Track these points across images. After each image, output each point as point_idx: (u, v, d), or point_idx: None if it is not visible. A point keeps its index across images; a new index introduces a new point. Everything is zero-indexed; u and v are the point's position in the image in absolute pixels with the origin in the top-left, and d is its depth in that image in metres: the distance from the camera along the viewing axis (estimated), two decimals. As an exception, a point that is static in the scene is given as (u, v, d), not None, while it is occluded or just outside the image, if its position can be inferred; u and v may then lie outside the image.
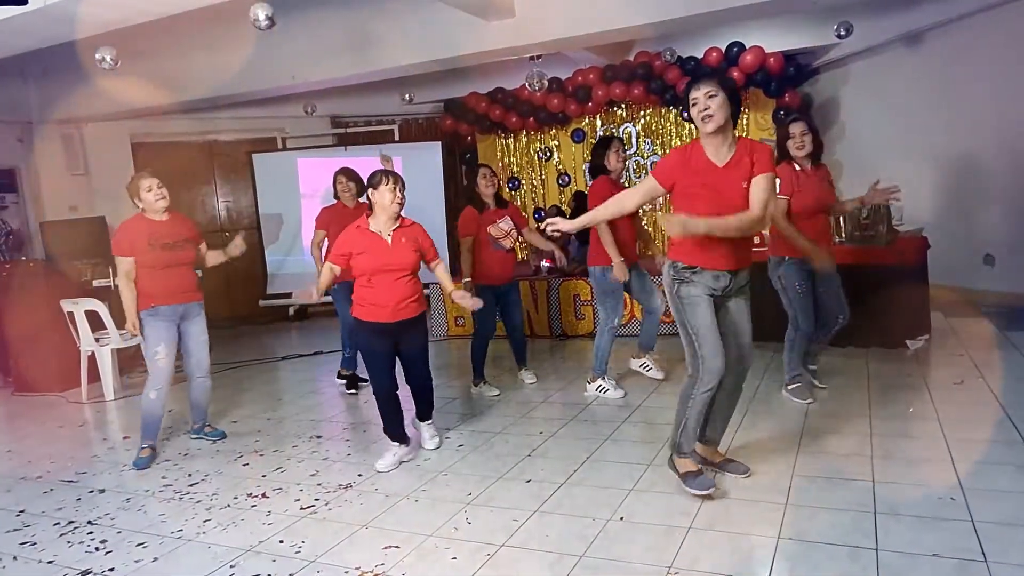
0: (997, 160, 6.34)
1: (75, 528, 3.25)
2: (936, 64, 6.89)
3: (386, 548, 2.82)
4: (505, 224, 4.87)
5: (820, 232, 4.09)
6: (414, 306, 3.75)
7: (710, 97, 2.83)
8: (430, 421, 4.01)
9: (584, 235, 6.93)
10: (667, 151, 8.80)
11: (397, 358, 3.79)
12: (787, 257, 4.12)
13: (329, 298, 5.01)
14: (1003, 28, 6.15)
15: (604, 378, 4.70)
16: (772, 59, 7.54)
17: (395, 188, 3.69)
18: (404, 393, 3.83)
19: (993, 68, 6.27)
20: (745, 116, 8.30)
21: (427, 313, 3.93)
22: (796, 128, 4.06)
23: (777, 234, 4.11)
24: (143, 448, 4.08)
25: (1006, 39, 6.13)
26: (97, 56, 5.25)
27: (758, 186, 2.84)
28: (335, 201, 5.26)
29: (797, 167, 4.07)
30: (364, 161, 8.63)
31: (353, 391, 5.33)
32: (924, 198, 6.64)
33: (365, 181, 4.94)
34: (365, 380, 5.40)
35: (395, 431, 3.77)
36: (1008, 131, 6.19)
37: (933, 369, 4.76)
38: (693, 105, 2.89)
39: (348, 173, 5.21)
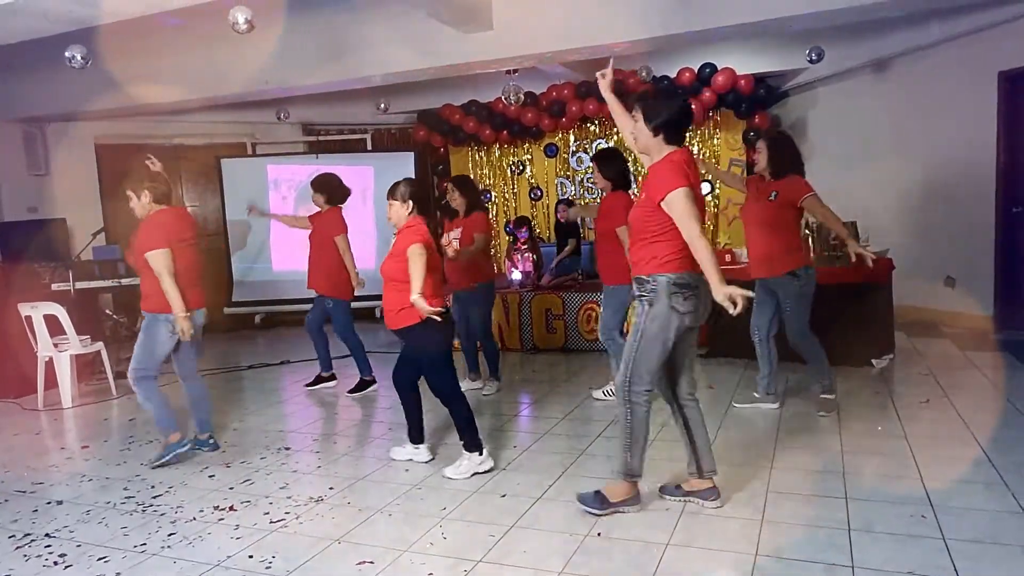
0: (958, 184, 6.52)
1: (32, 541, 3.12)
2: (902, 91, 7.08)
3: (360, 563, 2.76)
4: (453, 233, 5.06)
5: (757, 247, 4.29)
6: (394, 318, 3.62)
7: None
8: (474, 451, 3.61)
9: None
10: (639, 168, 8.89)
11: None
12: None
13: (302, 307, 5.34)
14: (966, 58, 6.35)
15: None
16: (743, 81, 7.68)
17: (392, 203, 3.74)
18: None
19: (956, 96, 6.47)
20: (716, 137, 8.51)
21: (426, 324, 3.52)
22: (758, 144, 4.44)
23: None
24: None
25: (969, 68, 6.32)
26: (67, 54, 5.10)
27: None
28: (317, 209, 5.63)
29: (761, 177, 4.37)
30: (335, 170, 8.57)
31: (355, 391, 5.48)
32: (887, 220, 6.79)
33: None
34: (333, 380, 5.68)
35: (409, 430, 3.86)
36: (969, 156, 6.37)
37: (899, 388, 4.85)
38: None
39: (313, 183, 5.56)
